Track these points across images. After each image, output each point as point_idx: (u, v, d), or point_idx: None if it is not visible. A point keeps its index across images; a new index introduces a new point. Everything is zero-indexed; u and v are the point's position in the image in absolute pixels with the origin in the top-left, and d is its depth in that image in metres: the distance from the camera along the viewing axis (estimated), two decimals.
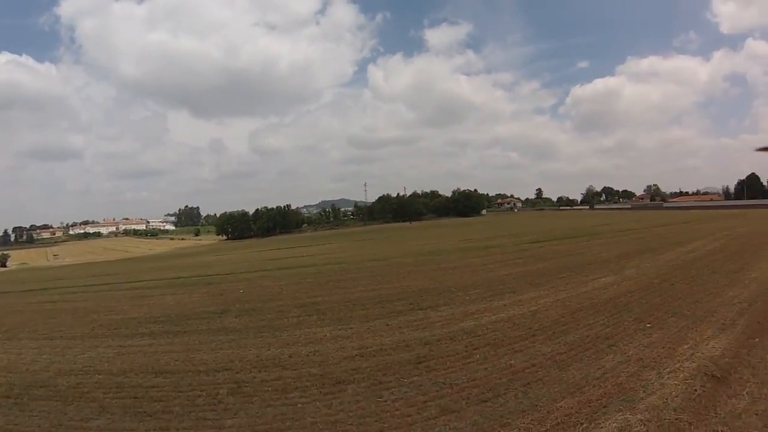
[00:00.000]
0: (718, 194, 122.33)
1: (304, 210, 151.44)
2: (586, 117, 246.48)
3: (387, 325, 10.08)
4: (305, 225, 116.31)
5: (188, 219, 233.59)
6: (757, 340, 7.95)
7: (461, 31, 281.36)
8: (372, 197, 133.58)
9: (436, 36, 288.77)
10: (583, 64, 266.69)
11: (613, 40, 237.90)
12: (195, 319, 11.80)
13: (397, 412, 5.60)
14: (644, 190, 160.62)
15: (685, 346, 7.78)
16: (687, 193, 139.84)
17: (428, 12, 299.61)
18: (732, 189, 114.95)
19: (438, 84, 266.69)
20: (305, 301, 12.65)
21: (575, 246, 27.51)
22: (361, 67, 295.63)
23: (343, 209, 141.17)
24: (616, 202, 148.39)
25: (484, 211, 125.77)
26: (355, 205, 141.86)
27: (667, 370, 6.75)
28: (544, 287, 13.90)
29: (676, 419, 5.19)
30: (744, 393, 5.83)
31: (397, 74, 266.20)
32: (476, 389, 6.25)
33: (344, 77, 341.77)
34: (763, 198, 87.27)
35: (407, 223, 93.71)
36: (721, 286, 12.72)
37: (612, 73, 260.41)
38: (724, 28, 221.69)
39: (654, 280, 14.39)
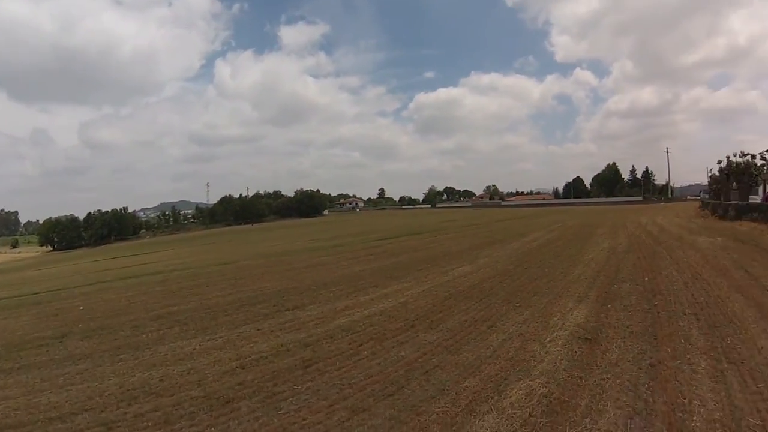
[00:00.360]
0: (549, 194, 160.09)
1: (142, 214, 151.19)
2: (428, 121, 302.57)
3: (258, 330, 10.27)
4: (143, 230, 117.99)
5: (4, 227, 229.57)
6: (609, 306, 10.59)
7: (317, 31, 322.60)
8: (214, 198, 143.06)
9: (292, 34, 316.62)
10: (429, 74, 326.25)
11: (460, 55, 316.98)
12: (29, 350, 10.50)
13: (305, 422, 5.67)
14: (483, 190, 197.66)
15: (555, 319, 9.76)
16: (522, 193, 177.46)
17: (287, 7, 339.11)
18: (561, 189, 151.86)
19: (285, 84, 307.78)
20: (160, 312, 12.72)
21: (424, 241, 31.79)
22: (209, 60, 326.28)
23: (183, 212, 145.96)
24: (457, 201, 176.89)
25: (326, 211, 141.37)
26: (197, 207, 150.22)
27: (547, 339, 8.37)
28: (406, 280, 15.70)
29: (569, 377, 6.54)
30: (614, 347, 7.76)
31: (245, 71, 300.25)
32: (378, 384, 6.71)
33: (190, 71, 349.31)
34: (587, 197, 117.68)
35: (250, 225, 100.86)
36: (567, 267, 16.35)
37: (456, 84, 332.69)
38: (559, 57, 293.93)
39: (508, 266, 17.57)
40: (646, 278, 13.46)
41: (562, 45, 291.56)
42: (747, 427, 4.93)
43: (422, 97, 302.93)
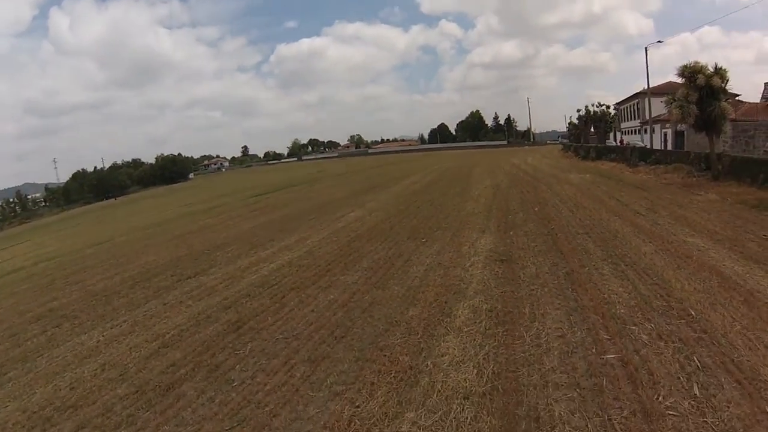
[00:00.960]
0: (415, 140, 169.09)
1: None
2: (290, 74, 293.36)
3: (164, 304, 9.57)
4: None
5: None
6: (512, 233, 11.92)
7: None
8: (64, 176, 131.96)
9: None
10: (292, 24, 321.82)
11: (324, 3, 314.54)
12: None
13: (268, 388, 5.42)
14: (348, 140, 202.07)
15: (465, 247, 10.72)
16: (388, 140, 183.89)
17: None
18: (426, 136, 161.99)
19: (134, 37, 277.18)
20: (39, 312, 11.08)
21: (302, 192, 31.98)
22: (43, 10, 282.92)
23: (31, 196, 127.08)
24: (322, 152, 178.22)
25: (191, 175, 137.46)
26: (46, 188, 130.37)
27: (467, 265, 9.25)
28: (301, 230, 15.87)
29: (502, 292, 7.41)
30: (530, 264, 8.94)
31: (86, 22, 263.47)
32: (323, 330, 6.77)
33: (19, 24, 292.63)
34: (453, 142, 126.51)
35: (113, 200, 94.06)
36: (458, 204, 17.79)
37: (319, 34, 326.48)
38: (424, 8, 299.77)
39: (399, 207, 18.58)
40: (536, 208, 15.28)
41: None
42: (657, 307, 6.41)
43: (284, 49, 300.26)
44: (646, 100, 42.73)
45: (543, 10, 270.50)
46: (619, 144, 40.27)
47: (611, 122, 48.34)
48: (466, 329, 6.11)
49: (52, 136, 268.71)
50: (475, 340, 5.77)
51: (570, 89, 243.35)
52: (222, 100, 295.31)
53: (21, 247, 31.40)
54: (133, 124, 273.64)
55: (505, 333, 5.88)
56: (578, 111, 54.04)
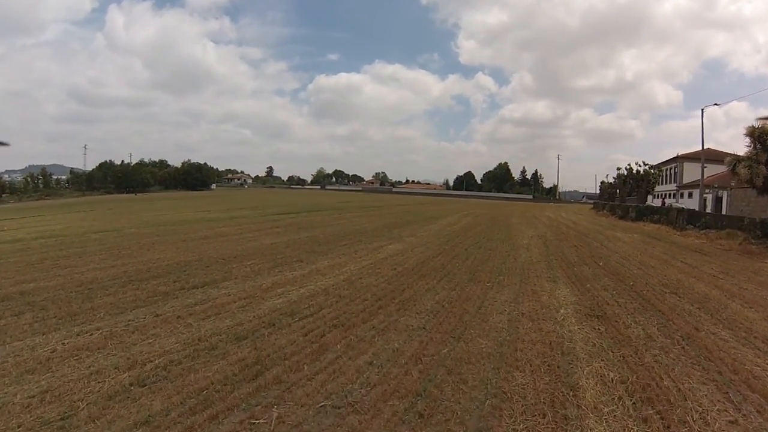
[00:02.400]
0: (439, 185, 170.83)
1: (6, 176, 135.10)
2: (325, 105, 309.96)
3: (156, 315, 7.54)
4: (5, 194, 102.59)
5: None
6: (588, 286, 10.64)
7: None
8: (91, 164, 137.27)
9: None
10: (333, 57, 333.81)
11: (367, 42, 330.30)
12: None
13: None
14: (373, 176, 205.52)
15: (545, 298, 9.44)
16: (413, 182, 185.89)
17: None
18: (451, 182, 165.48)
19: (183, 46, 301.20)
20: (9, 291, 9.44)
21: (329, 218, 30.88)
22: (102, 5, 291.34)
23: (56, 176, 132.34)
24: (346, 184, 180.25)
25: (213, 186, 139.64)
26: (71, 171, 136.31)
27: (558, 317, 7.96)
28: (334, 255, 14.47)
29: (622, 356, 6.11)
30: (631, 323, 7.74)
31: (141, 24, 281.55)
32: (396, 399, 4.73)
33: (79, 12, 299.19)
34: (478, 191, 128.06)
35: (133, 195, 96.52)
36: (508, 251, 16.48)
37: (358, 71, 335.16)
38: (463, 59, 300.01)
39: (444, 247, 17.25)
40: (600, 263, 13.99)
41: (467, 48, 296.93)
42: None
43: (323, 80, 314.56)
44: (685, 164, 41.89)
45: (577, 74, 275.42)
46: (661, 205, 39.39)
47: (654, 182, 47.10)
48: (606, 410, 4.56)
49: (87, 124, 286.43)
50: (628, 428, 4.23)
51: (594, 152, 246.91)
52: (255, 120, 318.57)
53: (31, 220, 30.62)
54: (167, 127, 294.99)
55: (659, 417, 4.43)
56: (618, 169, 53.09)
